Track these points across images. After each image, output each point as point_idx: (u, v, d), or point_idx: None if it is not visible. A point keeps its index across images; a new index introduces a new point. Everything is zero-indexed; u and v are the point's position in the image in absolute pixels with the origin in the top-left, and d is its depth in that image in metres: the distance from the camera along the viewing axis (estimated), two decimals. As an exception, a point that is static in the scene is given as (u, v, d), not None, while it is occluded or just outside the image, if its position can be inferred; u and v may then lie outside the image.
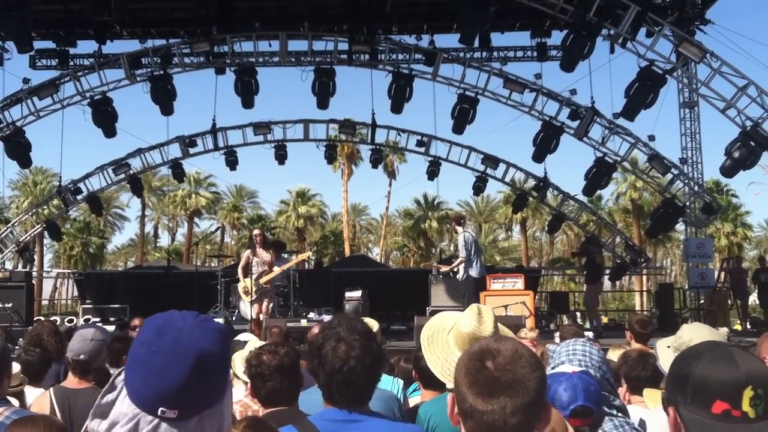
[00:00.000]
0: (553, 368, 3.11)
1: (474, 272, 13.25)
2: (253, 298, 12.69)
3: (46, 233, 26.75)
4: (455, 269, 13.60)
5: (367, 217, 68.55)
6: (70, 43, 20.35)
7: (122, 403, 1.49)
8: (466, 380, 1.71)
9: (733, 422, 1.67)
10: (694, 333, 3.45)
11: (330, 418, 2.76)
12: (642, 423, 3.51)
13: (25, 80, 18.95)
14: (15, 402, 3.68)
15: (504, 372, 1.68)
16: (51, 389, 4.11)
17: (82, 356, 3.88)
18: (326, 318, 12.05)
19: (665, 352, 3.57)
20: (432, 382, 3.92)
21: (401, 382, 5.24)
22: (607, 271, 27.10)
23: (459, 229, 13.72)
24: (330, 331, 2.84)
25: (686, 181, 21.07)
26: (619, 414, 3.13)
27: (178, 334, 1.50)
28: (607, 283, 35.23)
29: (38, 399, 4.26)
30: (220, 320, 12.31)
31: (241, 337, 8.30)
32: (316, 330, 5.62)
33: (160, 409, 1.45)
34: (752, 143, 15.65)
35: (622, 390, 4.01)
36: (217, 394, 1.54)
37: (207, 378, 1.49)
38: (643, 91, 16.28)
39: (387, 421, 2.91)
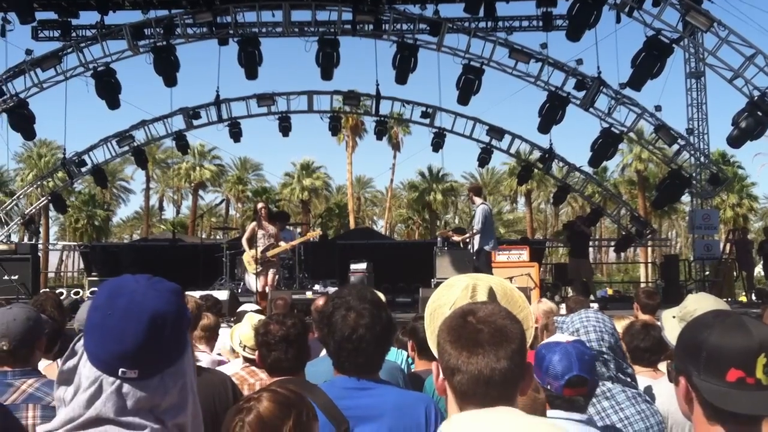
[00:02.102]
0: None
1: (489, 246, 13.07)
2: (258, 270, 12.72)
3: (51, 206, 26.81)
4: (467, 240, 13.39)
5: (371, 190, 68.58)
6: (72, 13, 20.17)
7: (84, 368, 1.53)
8: (450, 337, 1.77)
9: (747, 389, 1.68)
10: (699, 303, 3.43)
11: (341, 386, 2.79)
12: (648, 391, 3.51)
13: (28, 51, 18.89)
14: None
15: (486, 323, 1.75)
16: (59, 360, 4.09)
17: (89, 326, 3.87)
18: (331, 290, 12.04)
19: (670, 322, 3.54)
20: (426, 352, 3.93)
21: (405, 353, 5.24)
22: (613, 243, 27.15)
23: (477, 200, 13.26)
24: (340, 300, 2.86)
25: (692, 152, 20.95)
26: (633, 383, 3.13)
27: (131, 296, 1.53)
28: (612, 255, 35.25)
29: (47, 370, 4.27)
30: (226, 292, 12.35)
31: (246, 306, 8.32)
32: (320, 301, 5.61)
33: (121, 369, 1.49)
34: (759, 113, 15.54)
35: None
36: (176, 352, 1.57)
37: (163, 337, 1.52)
38: (649, 61, 16.15)
39: (397, 389, 2.92)
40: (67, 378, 1.56)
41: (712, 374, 1.71)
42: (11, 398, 3.17)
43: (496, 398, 1.72)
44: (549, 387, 2.74)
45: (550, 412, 2.76)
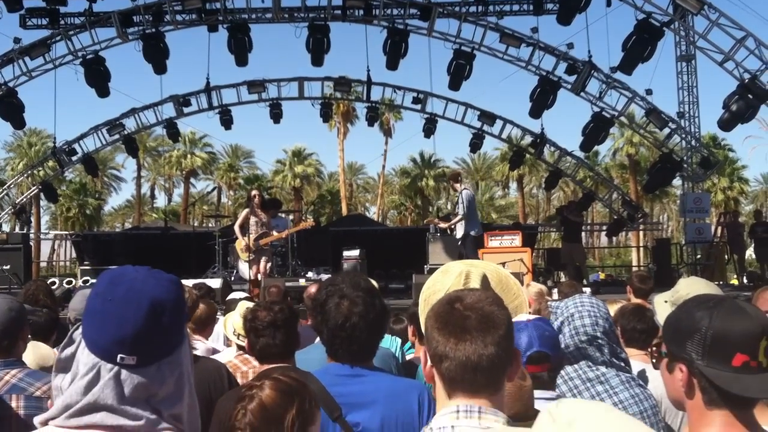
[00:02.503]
0: (561, 323, 3.11)
1: (474, 231, 13.17)
2: (250, 258, 12.73)
3: (42, 195, 26.70)
4: (453, 226, 13.49)
5: (363, 176, 68.56)
6: (60, 1, 19.96)
7: (82, 355, 1.54)
8: (438, 324, 1.78)
9: (752, 373, 1.71)
10: (690, 287, 3.44)
11: (334, 373, 2.79)
12: (642, 375, 3.53)
13: (16, 40, 18.71)
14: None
15: (473, 310, 1.77)
16: (56, 349, 4.09)
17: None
18: (324, 277, 12.05)
19: (662, 306, 3.56)
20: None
21: (399, 340, 5.25)
22: (605, 227, 27.23)
23: (458, 186, 13.52)
24: (333, 288, 2.86)
25: (683, 135, 20.99)
26: (627, 367, 3.13)
27: (131, 284, 1.56)
28: (603, 239, 35.35)
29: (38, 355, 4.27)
30: (219, 280, 12.35)
31: (235, 294, 8.30)
32: (313, 288, 5.61)
33: (119, 355, 1.51)
34: (750, 96, 15.54)
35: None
36: (173, 341, 1.59)
37: (161, 324, 1.54)
38: (640, 45, 16.14)
39: (390, 376, 2.92)
40: (64, 366, 1.58)
41: (717, 360, 1.73)
42: None
43: (484, 385, 1.75)
44: None
45: None
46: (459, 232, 13.20)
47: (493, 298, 1.83)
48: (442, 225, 14.05)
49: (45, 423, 1.56)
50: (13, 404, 3.12)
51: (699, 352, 1.75)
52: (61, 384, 1.56)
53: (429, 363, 1.81)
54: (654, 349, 1.94)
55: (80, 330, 1.58)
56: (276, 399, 2.08)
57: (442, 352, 1.76)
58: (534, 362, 2.72)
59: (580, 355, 3.10)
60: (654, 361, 1.97)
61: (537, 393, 2.70)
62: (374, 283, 3.29)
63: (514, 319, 2.86)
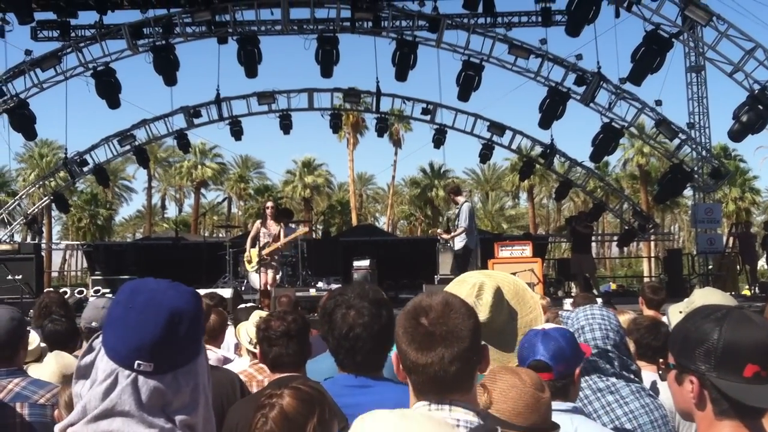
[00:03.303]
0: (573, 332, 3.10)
1: (472, 243, 13.30)
2: (255, 268, 12.76)
3: (53, 205, 26.83)
4: (452, 238, 13.59)
5: (373, 187, 68.57)
6: (71, 14, 20.12)
7: (101, 362, 1.57)
8: (405, 338, 1.82)
9: (763, 383, 1.72)
10: (706, 298, 3.43)
11: (342, 384, 2.79)
12: (654, 387, 3.51)
13: (27, 52, 18.92)
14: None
15: (437, 326, 1.80)
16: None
17: (94, 323, 3.93)
18: (334, 287, 12.06)
19: (677, 317, 3.55)
20: None
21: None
22: (616, 238, 27.13)
23: (460, 199, 13.70)
24: (341, 297, 2.87)
25: (694, 146, 20.92)
26: (636, 379, 3.12)
27: (152, 294, 1.59)
28: (614, 250, 35.22)
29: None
30: (229, 290, 12.37)
31: (244, 305, 8.32)
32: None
33: (137, 362, 1.54)
34: (760, 107, 15.52)
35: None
36: (191, 352, 1.62)
37: (179, 334, 1.58)
38: (649, 56, 16.13)
39: (398, 386, 2.92)
40: (84, 373, 1.60)
41: (728, 371, 1.73)
42: None
43: (451, 392, 1.80)
44: None
45: None
46: (458, 244, 13.29)
47: (458, 309, 1.84)
48: (445, 236, 14.11)
49: (64, 429, 1.58)
50: (18, 411, 3.15)
51: (710, 364, 1.74)
52: (81, 390, 1.59)
53: (401, 367, 1.86)
54: (661, 360, 1.94)
55: (100, 338, 1.61)
56: (297, 408, 2.09)
57: (410, 366, 1.81)
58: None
59: (590, 368, 3.09)
60: (661, 372, 1.97)
61: (554, 404, 2.67)
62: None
63: (538, 327, 2.88)
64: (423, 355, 1.78)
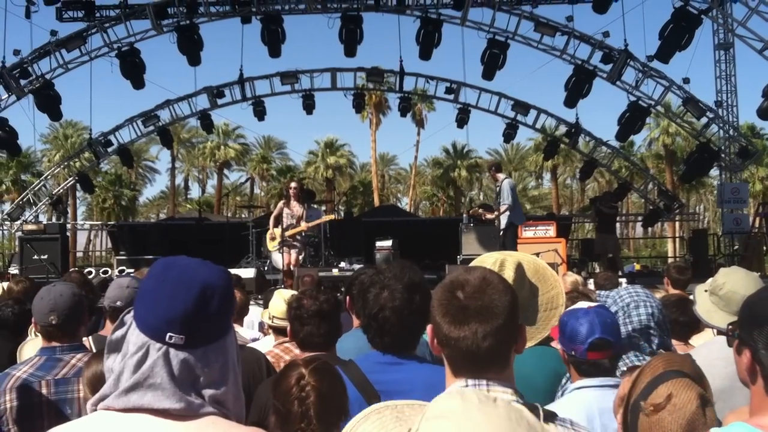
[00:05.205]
0: (615, 312, 3.08)
1: (517, 219, 13.06)
2: (277, 248, 12.77)
3: (78, 186, 27.05)
4: (498, 216, 13.27)
5: (395, 167, 68.51)
6: (95, -6, 20.24)
7: (132, 335, 1.60)
8: (440, 311, 1.80)
9: None
10: (728, 276, 3.40)
11: (374, 360, 2.80)
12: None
13: (53, 32, 19.02)
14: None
15: (473, 299, 1.77)
16: (90, 337, 4.17)
17: (118, 303, 3.95)
18: (357, 267, 12.05)
19: (702, 296, 3.51)
20: None
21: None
22: (640, 218, 26.91)
23: (500, 175, 13.27)
24: (378, 276, 2.87)
25: (721, 124, 20.64)
26: None
27: (184, 268, 1.64)
28: (639, 230, 34.96)
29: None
30: (252, 270, 12.41)
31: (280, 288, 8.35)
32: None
33: (168, 334, 1.56)
34: (791, 84, 15.26)
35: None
36: (221, 327, 1.64)
37: (210, 308, 1.60)
38: (677, 33, 15.91)
39: (429, 366, 2.91)
40: (115, 347, 1.63)
41: None
42: (62, 372, 3.30)
43: (488, 366, 1.77)
44: (573, 353, 2.77)
45: (580, 381, 2.78)
46: (503, 222, 13.03)
47: (496, 283, 1.81)
48: (489, 216, 13.79)
49: (97, 403, 1.60)
50: (81, 386, 3.20)
51: (764, 342, 1.71)
52: (112, 365, 1.62)
53: (435, 341, 1.84)
54: (731, 327, 1.91)
55: (131, 313, 1.63)
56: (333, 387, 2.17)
57: (444, 338, 1.78)
58: (596, 349, 2.72)
59: (629, 345, 3.07)
60: (728, 339, 1.95)
61: (602, 380, 2.72)
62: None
63: (573, 307, 2.87)
64: (456, 329, 1.75)
